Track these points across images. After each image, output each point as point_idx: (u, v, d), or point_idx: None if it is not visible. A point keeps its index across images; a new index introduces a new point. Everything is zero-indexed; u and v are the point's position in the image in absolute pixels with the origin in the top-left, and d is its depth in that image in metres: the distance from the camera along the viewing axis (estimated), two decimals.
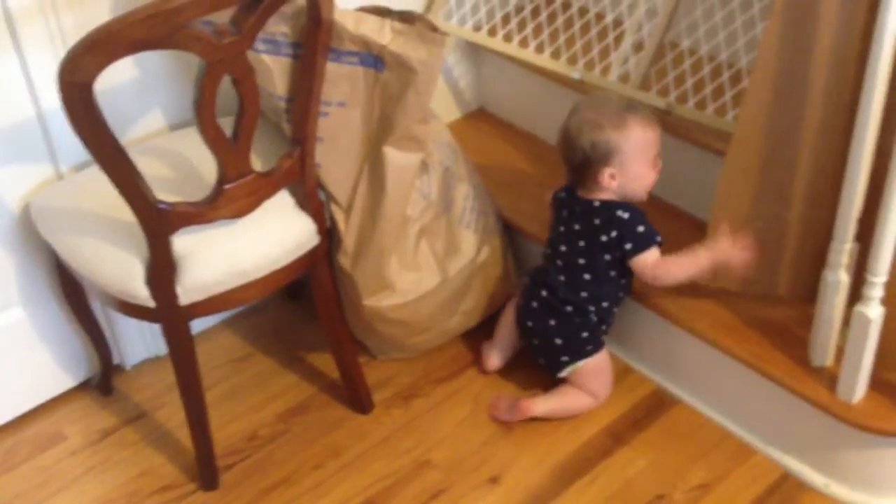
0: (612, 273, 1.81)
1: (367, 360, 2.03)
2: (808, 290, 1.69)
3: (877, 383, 1.65)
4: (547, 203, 1.94)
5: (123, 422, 1.95)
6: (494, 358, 1.98)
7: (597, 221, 1.78)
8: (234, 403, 1.97)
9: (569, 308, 1.83)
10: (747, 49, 1.89)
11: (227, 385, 2.01)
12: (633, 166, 1.75)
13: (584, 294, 1.82)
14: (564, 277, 1.83)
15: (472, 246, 1.96)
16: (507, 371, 2.00)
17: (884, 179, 1.45)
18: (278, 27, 1.57)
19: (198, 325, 2.08)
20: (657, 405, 1.93)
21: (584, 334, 1.84)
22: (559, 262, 1.84)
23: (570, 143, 1.76)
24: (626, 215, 1.76)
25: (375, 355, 2.05)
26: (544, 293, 1.84)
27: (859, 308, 1.55)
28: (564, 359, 1.85)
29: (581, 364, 1.85)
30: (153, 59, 1.82)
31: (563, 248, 1.84)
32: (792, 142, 1.59)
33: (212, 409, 1.80)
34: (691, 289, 1.85)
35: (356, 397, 1.93)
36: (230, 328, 2.15)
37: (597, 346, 1.87)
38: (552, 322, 1.84)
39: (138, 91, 1.84)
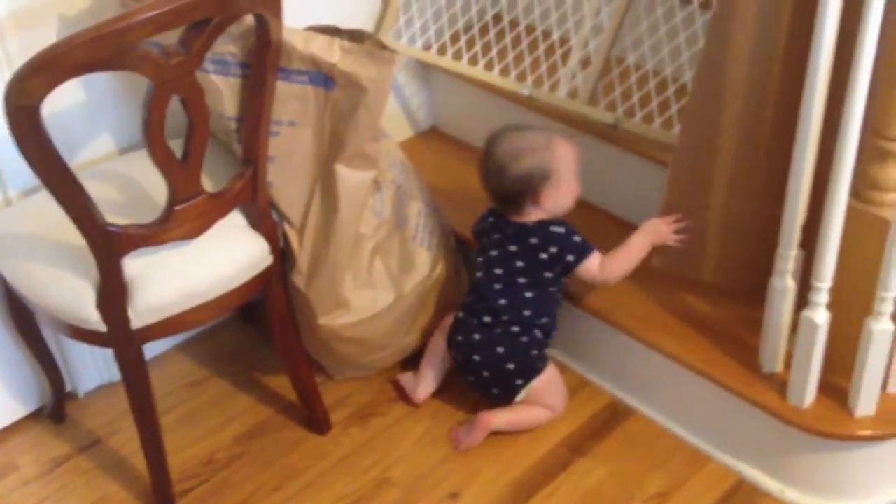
0: (552, 289, 1.85)
1: (324, 380, 2.02)
2: (744, 285, 1.73)
3: (826, 388, 1.68)
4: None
5: (77, 450, 1.92)
6: (422, 390, 1.97)
7: (533, 241, 1.82)
8: (190, 428, 1.95)
9: (515, 328, 1.84)
10: (691, 64, 1.93)
11: (182, 409, 1.99)
12: (565, 182, 1.81)
13: (527, 312, 1.84)
14: (506, 300, 1.84)
15: (426, 263, 1.97)
16: (454, 388, 1.99)
17: (826, 186, 1.48)
18: (227, 47, 1.57)
19: (151, 350, 2.06)
20: (613, 416, 1.94)
21: (534, 352, 1.85)
22: (497, 286, 1.85)
23: (501, 175, 1.81)
24: (561, 230, 1.81)
25: (332, 375, 2.04)
26: (487, 319, 1.85)
27: (806, 314, 1.58)
28: (519, 382, 1.86)
29: (534, 383, 1.86)
30: (102, 82, 1.81)
31: (498, 271, 1.86)
32: (729, 133, 1.63)
33: (167, 434, 1.78)
34: (643, 299, 1.88)
35: (314, 418, 1.92)
36: (184, 352, 2.13)
37: (545, 362, 1.88)
38: (500, 349, 1.84)
39: (87, 114, 1.82)
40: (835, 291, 1.57)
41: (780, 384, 1.70)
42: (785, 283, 1.63)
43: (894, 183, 1.47)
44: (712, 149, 1.66)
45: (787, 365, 1.69)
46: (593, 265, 1.81)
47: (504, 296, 1.85)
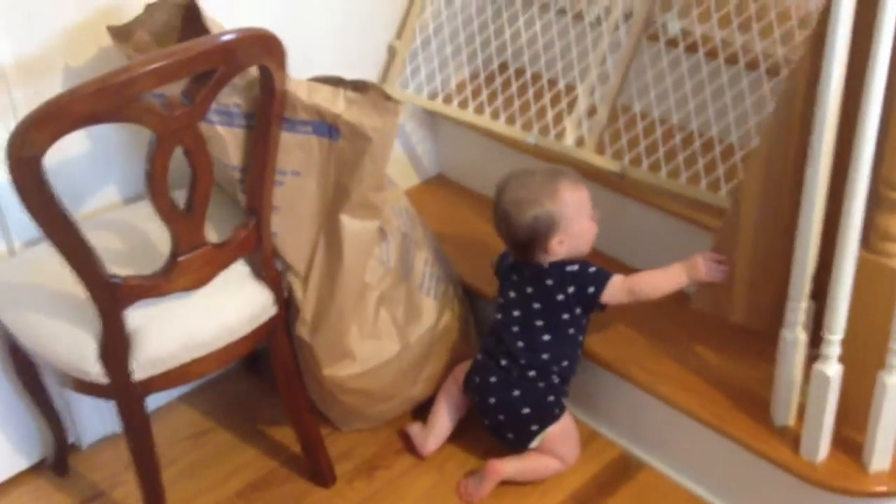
0: (571, 331, 1.82)
1: (330, 432, 2.00)
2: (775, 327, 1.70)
3: (840, 442, 1.64)
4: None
5: (79, 503, 1.89)
6: (431, 442, 1.94)
7: (549, 282, 1.79)
8: (194, 481, 1.93)
9: (532, 373, 1.81)
10: (697, 111, 1.92)
11: (185, 462, 1.97)
12: (575, 227, 1.79)
13: (545, 356, 1.81)
14: (523, 343, 1.82)
15: (432, 312, 1.95)
16: (462, 441, 1.96)
17: (836, 238, 1.46)
18: (231, 98, 1.57)
19: (154, 401, 2.05)
20: (624, 469, 1.91)
21: (551, 398, 1.82)
22: (514, 329, 1.83)
23: (510, 224, 1.80)
24: (575, 268, 1.80)
25: (338, 426, 2.02)
26: (504, 362, 1.83)
27: (818, 367, 1.55)
28: (534, 428, 1.83)
29: (550, 429, 1.83)
30: (107, 132, 1.81)
31: (516, 313, 1.83)
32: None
33: (170, 487, 1.75)
34: (655, 352, 1.86)
35: (318, 470, 1.89)
36: (188, 403, 2.11)
37: (562, 409, 1.85)
38: (516, 393, 1.81)
39: (92, 164, 1.83)
40: (847, 344, 1.54)
41: (793, 438, 1.67)
42: (796, 335, 1.60)
43: None
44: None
45: (800, 418, 1.65)
46: (615, 286, 1.78)
47: (521, 338, 1.82)
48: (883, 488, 1.61)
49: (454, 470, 1.92)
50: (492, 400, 1.84)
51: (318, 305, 1.78)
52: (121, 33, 1.67)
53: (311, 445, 1.86)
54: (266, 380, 2.05)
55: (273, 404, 1.99)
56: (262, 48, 1.43)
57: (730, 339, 1.87)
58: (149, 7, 1.68)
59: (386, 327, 1.88)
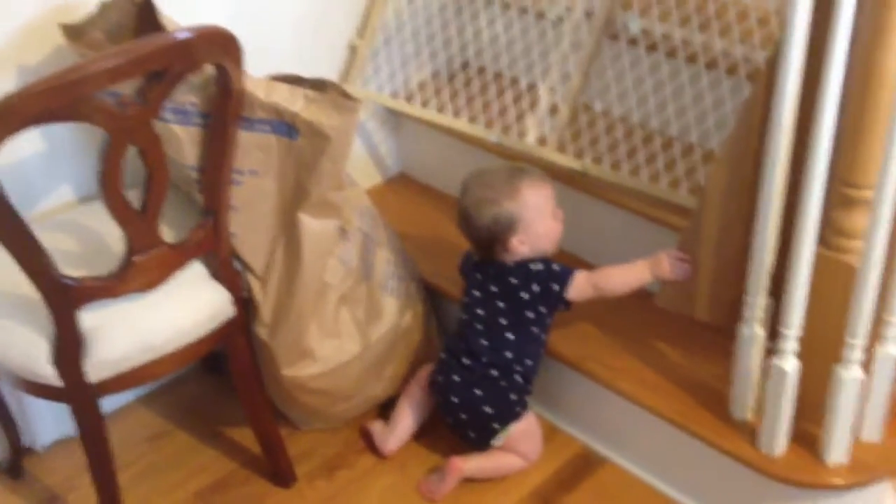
0: (535, 330, 1.82)
1: (290, 432, 1.98)
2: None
3: (798, 436, 1.65)
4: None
5: None
6: (392, 442, 1.93)
7: (514, 281, 1.79)
8: (151, 483, 1.90)
9: (494, 372, 1.81)
10: (658, 110, 1.93)
11: (143, 464, 1.94)
12: (536, 226, 1.79)
13: (508, 354, 1.81)
14: (487, 341, 1.82)
15: (394, 311, 1.94)
16: (424, 440, 1.96)
17: (792, 234, 1.47)
18: (187, 97, 1.55)
19: (112, 403, 2.02)
20: (585, 465, 1.91)
21: (513, 396, 1.82)
22: (479, 326, 1.83)
23: (470, 223, 1.80)
24: (540, 266, 1.80)
25: (299, 426, 2.00)
26: (466, 361, 1.83)
27: (775, 361, 1.57)
28: (496, 426, 1.83)
29: (512, 428, 1.83)
30: (62, 130, 1.78)
31: (480, 311, 1.83)
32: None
33: (127, 490, 1.73)
34: (615, 349, 1.86)
35: (278, 471, 1.87)
36: (146, 404, 2.08)
37: (524, 407, 1.85)
38: (478, 392, 1.81)
39: (46, 164, 1.80)
40: (804, 339, 1.55)
41: (751, 433, 1.68)
42: (753, 331, 1.61)
43: (860, 230, 1.47)
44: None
45: (758, 413, 1.67)
46: (580, 282, 1.79)
47: (485, 337, 1.82)
48: (840, 481, 1.62)
49: (416, 469, 1.91)
50: (454, 399, 1.83)
51: (277, 305, 1.77)
52: (74, 32, 1.65)
53: (271, 446, 1.85)
54: (227, 380, 2.02)
55: (234, 405, 1.96)
56: (218, 46, 1.41)
57: (690, 335, 1.88)
58: (102, 5, 1.66)
59: (347, 327, 1.86)
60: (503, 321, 1.81)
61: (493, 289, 1.82)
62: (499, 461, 1.86)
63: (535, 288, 1.79)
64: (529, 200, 1.78)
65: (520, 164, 1.88)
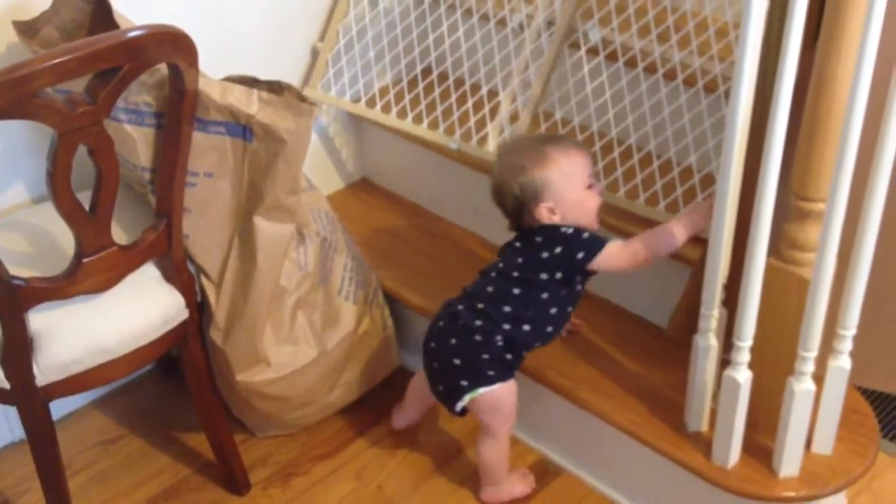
0: (544, 295, 1.70)
1: (245, 438, 1.96)
2: None
3: (751, 447, 1.66)
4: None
5: None
6: (398, 419, 1.99)
7: (538, 239, 1.70)
8: (102, 489, 1.88)
9: (478, 323, 1.70)
10: (617, 119, 1.93)
11: (94, 469, 1.92)
12: (567, 194, 1.69)
13: (506, 308, 1.70)
14: (493, 288, 1.72)
15: (351, 317, 1.93)
16: (379, 447, 1.96)
17: (745, 246, 1.48)
18: (141, 96, 1.54)
19: (64, 406, 1.99)
20: (541, 475, 1.91)
21: (485, 356, 1.70)
22: (492, 274, 1.73)
23: (499, 191, 1.73)
24: (569, 230, 1.69)
25: (254, 432, 1.99)
26: (460, 307, 1.73)
27: (728, 372, 1.57)
28: (463, 383, 1.70)
29: (480, 392, 1.71)
30: (14, 128, 1.76)
31: (500, 263, 1.75)
32: None
33: (77, 496, 1.71)
34: (573, 359, 1.86)
35: (232, 478, 1.86)
36: (100, 408, 2.06)
37: (501, 376, 1.72)
38: (453, 341, 1.72)
39: None
40: (757, 351, 1.56)
41: (705, 444, 1.68)
42: (708, 342, 1.61)
43: (813, 243, 1.47)
44: None
45: (713, 424, 1.67)
46: (612, 252, 1.66)
47: (494, 284, 1.73)
48: (792, 493, 1.63)
49: (371, 477, 1.90)
50: (432, 344, 1.75)
51: (232, 309, 1.75)
52: (27, 29, 1.62)
53: (225, 452, 1.83)
54: (183, 383, 2.00)
55: (190, 410, 1.94)
56: (171, 46, 1.40)
57: (646, 345, 1.89)
58: (56, 3, 1.64)
59: (303, 332, 1.85)
60: (515, 273, 1.71)
61: (518, 244, 1.74)
62: (483, 457, 1.82)
63: (558, 249, 1.68)
64: (558, 166, 1.68)
65: (557, 134, 1.82)
